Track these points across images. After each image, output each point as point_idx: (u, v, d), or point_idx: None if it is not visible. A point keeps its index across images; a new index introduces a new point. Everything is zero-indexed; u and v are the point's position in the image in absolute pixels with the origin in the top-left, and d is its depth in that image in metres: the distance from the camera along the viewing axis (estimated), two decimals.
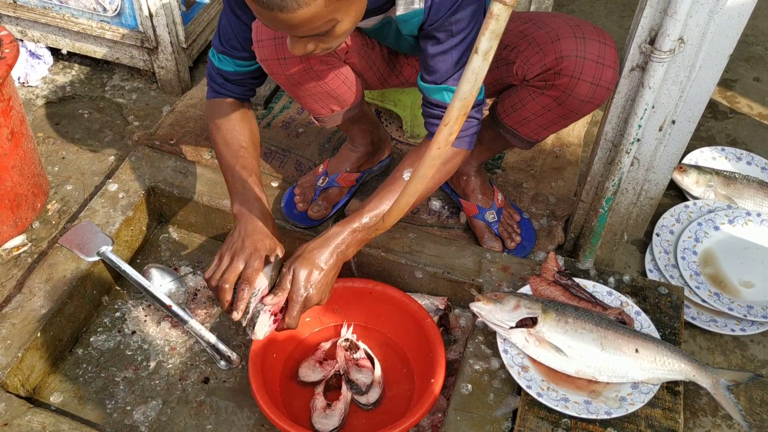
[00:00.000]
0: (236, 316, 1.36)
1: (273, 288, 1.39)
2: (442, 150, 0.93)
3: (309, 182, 1.82)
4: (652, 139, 1.45)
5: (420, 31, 1.34)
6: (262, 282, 1.40)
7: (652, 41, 1.29)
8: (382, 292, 1.62)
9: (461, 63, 1.33)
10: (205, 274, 1.43)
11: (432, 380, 1.45)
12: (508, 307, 1.44)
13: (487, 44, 0.82)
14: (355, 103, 1.62)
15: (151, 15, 1.99)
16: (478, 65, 0.83)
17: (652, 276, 1.78)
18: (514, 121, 1.57)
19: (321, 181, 1.80)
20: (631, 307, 1.53)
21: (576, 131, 2.11)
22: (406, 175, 1.42)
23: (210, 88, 1.60)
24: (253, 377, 1.46)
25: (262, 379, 1.47)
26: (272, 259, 1.44)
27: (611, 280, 1.62)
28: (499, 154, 2.00)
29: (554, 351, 1.42)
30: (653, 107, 1.39)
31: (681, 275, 1.74)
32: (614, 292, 1.56)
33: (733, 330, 1.66)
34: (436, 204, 1.87)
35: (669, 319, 1.55)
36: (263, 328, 1.40)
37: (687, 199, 1.94)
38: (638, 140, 1.42)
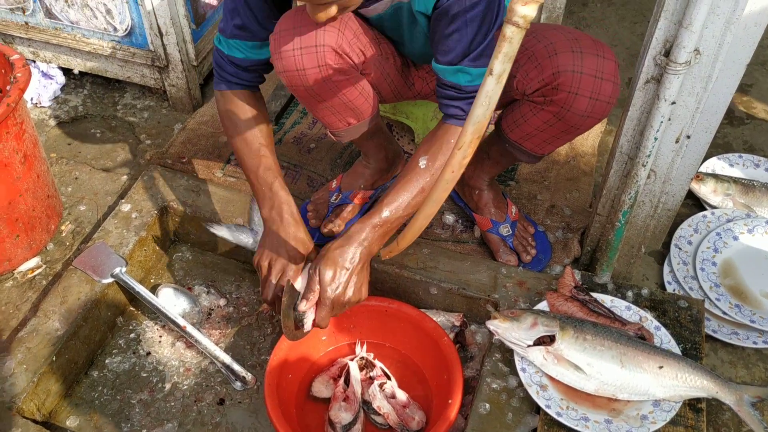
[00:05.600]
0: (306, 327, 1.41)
1: (305, 291, 1.40)
2: (456, 173, 0.92)
3: (322, 198, 1.81)
4: (668, 151, 1.43)
5: (434, 10, 1.32)
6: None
7: (667, 53, 1.27)
8: (397, 309, 1.61)
9: (476, 42, 1.31)
10: (262, 293, 1.48)
11: (449, 401, 1.43)
12: (526, 324, 1.42)
13: (500, 67, 0.80)
14: (371, 116, 1.61)
15: (161, 34, 1.99)
16: (492, 88, 0.82)
17: (671, 288, 1.75)
18: (518, 136, 1.56)
19: (334, 197, 1.79)
20: (651, 322, 1.50)
21: (590, 141, 2.08)
22: (422, 163, 1.41)
23: (219, 77, 1.57)
24: (268, 397, 1.44)
25: (277, 399, 1.45)
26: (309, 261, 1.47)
27: (629, 294, 1.59)
28: (512, 166, 1.98)
29: (573, 369, 1.39)
30: (669, 120, 1.36)
31: (700, 287, 1.71)
32: (633, 306, 1.53)
33: (755, 343, 1.63)
34: (449, 218, 1.85)
35: (689, 333, 1.52)
36: (309, 327, 1.41)
37: (705, 209, 1.91)
38: (654, 153, 1.40)
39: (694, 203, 1.95)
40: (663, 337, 1.48)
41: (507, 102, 1.59)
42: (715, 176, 1.91)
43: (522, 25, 0.77)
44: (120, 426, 1.55)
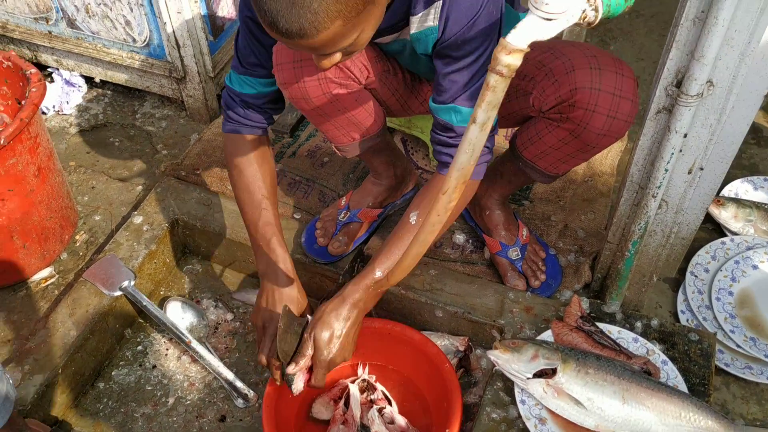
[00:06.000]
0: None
1: (295, 354, 1.42)
2: (442, 216, 0.90)
3: (331, 216, 1.80)
4: (680, 182, 1.39)
5: (433, 49, 1.31)
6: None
7: (678, 84, 1.23)
8: (401, 332, 1.59)
9: (472, 83, 1.30)
10: (258, 353, 1.49)
11: (447, 430, 1.41)
12: (526, 356, 1.40)
13: (484, 116, 0.78)
14: (376, 132, 1.60)
15: (178, 46, 2.01)
16: (475, 136, 0.80)
17: (684, 317, 1.70)
18: (532, 154, 1.53)
19: (342, 215, 1.78)
20: (658, 356, 1.46)
21: (609, 160, 2.04)
22: (413, 219, 1.41)
23: (228, 119, 1.56)
24: (265, 419, 1.44)
25: (275, 420, 1.45)
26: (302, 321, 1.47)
27: (638, 324, 1.55)
28: (527, 185, 1.94)
29: (573, 403, 1.36)
30: (681, 151, 1.32)
31: (715, 317, 1.66)
32: (640, 338, 1.49)
33: None
34: (460, 238, 1.83)
35: (698, 368, 1.48)
36: (297, 389, 1.43)
37: (725, 234, 1.85)
38: (664, 184, 1.36)
39: (715, 228, 1.89)
40: (670, 372, 1.44)
41: (523, 119, 1.57)
42: (737, 201, 1.85)
43: (506, 74, 0.75)
44: None
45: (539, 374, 1.39)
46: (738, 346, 1.61)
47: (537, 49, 1.48)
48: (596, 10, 0.82)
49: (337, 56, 1.17)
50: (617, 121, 1.36)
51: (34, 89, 1.63)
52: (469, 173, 0.85)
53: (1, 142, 1.50)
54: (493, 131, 1.40)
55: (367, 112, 1.54)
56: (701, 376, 1.46)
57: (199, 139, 2.08)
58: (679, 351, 1.51)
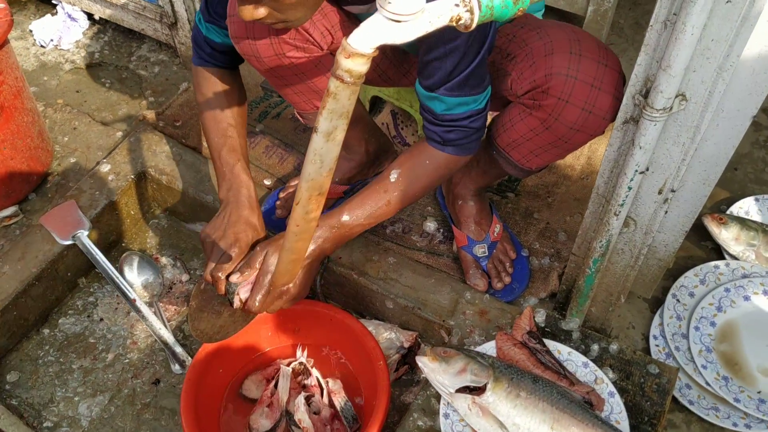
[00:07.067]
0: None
1: (242, 264, 1.32)
2: (302, 227, 0.81)
3: (295, 187, 1.71)
4: (650, 201, 1.23)
5: None
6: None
7: (646, 94, 1.07)
8: (341, 320, 1.51)
9: (456, 72, 1.19)
10: (204, 270, 1.40)
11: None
12: (454, 369, 1.29)
13: (327, 125, 0.67)
14: None
15: None
16: (321, 146, 0.69)
17: (656, 344, 1.55)
18: (504, 142, 1.40)
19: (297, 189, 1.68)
20: (606, 386, 1.34)
21: None
22: (393, 177, 1.34)
23: (196, 54, 1.52)
24: (184, 393, 1.39)
25: (194, 395, 1.40)
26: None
27: (595, 347, 1.42)
28: (510, 177, 1.80)
29: (497, 426, 1.26)
30: (649, 169, 1.17)
31: (689, 348, 1.51)
32: (590, 364, 1.37)
33: (735, 425, 1.42)
34: (431, 225, 1.71)
35: (651, 405, 1.35)
36: (236, 304, 1.34)
37: (724, 256, 1.67)
38: (628, 203, 1.21)
39: (715, 247, 1.71)
40: (615, 405, 1.32)
41: (506, 103, 1.43)
42: (741, 221, 1.66)
43: (348, 80, 0.63)
44: (55, 389, 1.56)
45: (468, 389, 1.29)
46: (707, 383, 1.46)
47: (526, 26, 1.34)
48: (471, 12, 0.68)
49: (262, 10, 1.06)
50: (593, 116, 1.22)
51: None
52: (320, 185, 0.75)
53: None
54: (481, 112, 1.29)
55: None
56: (651, 415, 1.33)
57: (185, 89, 2.01)
58: (634, 383, 1.38)
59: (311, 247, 1.32)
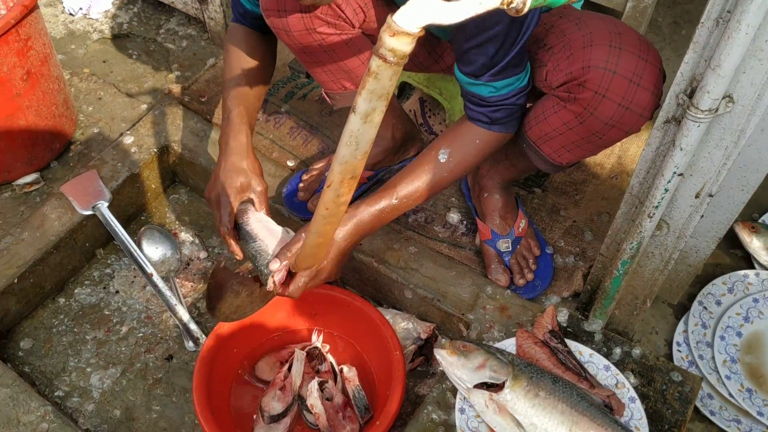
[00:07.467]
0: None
1: (282, 249, 1.27)
2: (332, 210, 0.78)
3: (319, 170, 1.69)
4: (686, 205, 1.19)
5: None
6: (254, 224, 1.36)
7: (691, 94, 1.03)
8: (360, 308, 1.49)
9: (498, 57, 1.18)
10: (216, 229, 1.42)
11: (377, 422, 1.31)
12: (473, 364, 1.27)
13: (366, 106, 0.65)
14: None
15: None
16: (357, 128, 0.66)
17: (679, 350, 1.52)
18: (536, 135, 1.36)
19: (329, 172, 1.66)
20: (627, 391, 1.31)
21: None
22: (442, 157, 1.32)
23: (234, 11, 1.52)
24: (197, 373, 1.38)
25: (207, 375, 1.39)
26: (251, 195, 1.39)
27: (617, 350, 1.39)
28: (538, 172, 1.76)
29: (514, 425, 1.24)
30: (688, 172, 1.13)
31: (713, 357, 1.47)
32: (612, 367, 1.33)
33: None
34: (454, 217, 1.68)
35: (672, 413, 1.31)
36: (270, 286, 1.29)
37: (753, 266, 1.63)
38: (663, 205, 1.17)
39: (745, 255, 1.67)
40: (635, 412, 1.29)
41: (540, 94, 1.39)
42: None
43: (391, 59, 0.61)
44: (68, 359, 1.56)
45: (485, 385, 1.26)
46: (731, 395, 1.42)
47: (566, 16, 1.30)
48: None
49: None
50: (630, 112, 1.18)
51: None
52: (354, 168, 0.72)
53: None
54: (525, 90, 1.27)
55: (360, 60, 1.40)
56: (672, 423, 1.30)
57: (213, 64, 1.99)
58: (655, 389, 1.34)
59: (349, 230, 1.29)
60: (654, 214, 1.19)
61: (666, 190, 1.14)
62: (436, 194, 1.36)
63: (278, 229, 1.35)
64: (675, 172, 1.11)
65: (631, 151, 1.82)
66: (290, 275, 1.26)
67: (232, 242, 1.35)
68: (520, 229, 1.58)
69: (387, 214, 1.31)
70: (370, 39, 1.41)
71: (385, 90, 0.64)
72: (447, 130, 1.36)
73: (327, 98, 1.51)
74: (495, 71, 1.18)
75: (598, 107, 1.20)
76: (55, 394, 1.50)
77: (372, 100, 0.65)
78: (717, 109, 1.02)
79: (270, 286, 1.28)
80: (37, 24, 1.63)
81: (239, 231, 1.36)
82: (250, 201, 1.39)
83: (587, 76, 1.18)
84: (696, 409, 1.44)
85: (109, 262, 1.72)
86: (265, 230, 1.33)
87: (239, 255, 1.37)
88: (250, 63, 1.49)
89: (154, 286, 1.61)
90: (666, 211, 1.22)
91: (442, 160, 1.32)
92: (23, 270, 1.55)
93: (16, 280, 1.54)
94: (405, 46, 0.60)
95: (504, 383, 1.25)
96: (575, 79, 1.21)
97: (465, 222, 1.68)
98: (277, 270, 1.26)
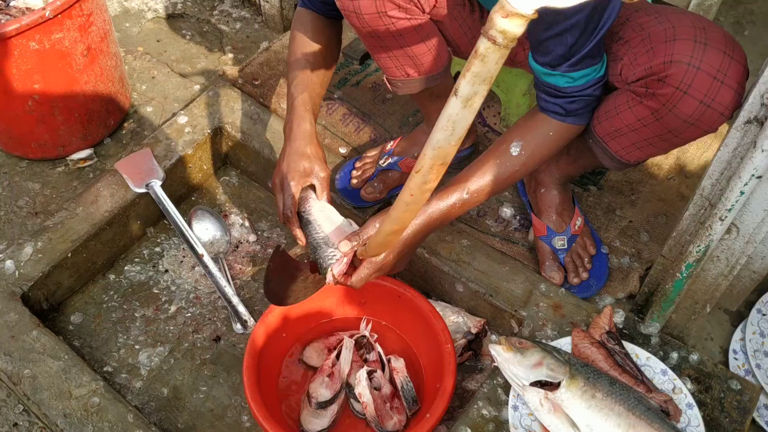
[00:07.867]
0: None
1: (351, 234, 1.24)
2: (416, 197, 0.76)
3: (372, 158, 1.67)
4: (760, 210, 1.16)
5: None
6: (317, 214, 1.34)
7: None
8: (411, 299, 1.47)
9: (576, 47, 1.15)
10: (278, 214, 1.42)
11: (427, 415, 1.30)
12: (530, 361, 1.25)
13: (468, 89, 0.63)
14: (436, 73, 1.43)
15: None
16: (456, 112, 0.65)
17: (736, 358, 1.48)
18: (605, 131, 1.33)
19: (384, 160, 1.65)
20: (684, 396, 1.28)
21: (703, 159, 1.78)
22: (515, 150, 1.29)
23: (302, 2, 1.53)
24: (247, 354, 1.38)
25: (257, 358, 1.39)
26: (313, 181, 1.38)
27: (674, 355, 1.36)
28: (596, 170, 1.73)
29: (569, 425, 1.21)
30: (767, 175, 1.09)
31: None
32: (669, 372, 1.31)
33: None
34: (507, 212, 1.66)
35: (730, 422, 1.28)
36: (330, 277, 1.25)
37: None
38: (736, 209, 1.14)
39: None
40: (693, 418, 1.26)
41: (608, 89, 1.36)
42: None
43: (501, 42, 0.59)
44: (117, 335, 1.57)
45: (540, 384, 1.24)
46: None
47: (642, 10, 1.27)
48: None
49: None
50: (711, 110, 1.14)
51: None
52: (447, 153, 0.70)
53: (47, 14, 1.46)
54: (601, 80, 1.24)
55: (427, 47, 1.37)
56: None
57: (266, 48, 1.98)
58: (713, 397, 1.31)
59: (419, 223, 1.26)
60: (726, 217, 1.16)
61: (742, 193, 1.11)
62: (506, 189, 1.34)
63: (339, 220, 1.34)
64: (753, 175, 1.08)
65: (689, 152, 1.78)
66: (351, 265, 1.24)
67: (296, 228, 1.34)
68: (576, 227, 1.55)
69: (457, 209, 1.28)
70: (437, 25, 1.39)
71: (490, 74, 0.63)
72: (518, 121, 1.34)
73: (388, 85, 1.49)
74: (573, 61, 1.16)
75: (678, 104, 1.16)
76: (104, 369, 1.51)
77: (476, 83, 0.63)
78: None
79: (329, 279, 1.26)
80: (98, 0, 1.63)
81: (301, 219, 1.35)
82: (312, 187, 1.38)
83: (669, 71, 1.15)
84: (752, 420, 1.41)
85: (159, 240, 1.73)
86: (327, 220, 1.32)
87: (302, 241, 1.36)
88: (315, 48, 1.48)
89: (204, 266, 1.61)
90: (737, 215, 1.19)
91: (514, 153, 1.29)
92: (77, 245, 1.56)
93: (69, 255, 1.55)
94: (517, 28, 0.58)
95: (560, 383, 1.23)
96: (655, 74, 1.17)
97: (518, 217, 1.66)
98: (345, 253, 1.23)
